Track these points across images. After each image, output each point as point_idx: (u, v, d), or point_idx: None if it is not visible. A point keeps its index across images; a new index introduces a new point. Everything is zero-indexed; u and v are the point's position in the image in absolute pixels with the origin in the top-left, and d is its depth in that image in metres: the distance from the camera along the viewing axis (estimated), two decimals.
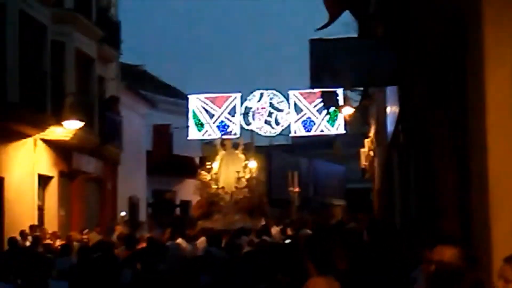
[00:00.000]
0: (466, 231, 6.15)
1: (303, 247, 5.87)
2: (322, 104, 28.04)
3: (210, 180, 28.50)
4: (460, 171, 6.79)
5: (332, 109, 27.65)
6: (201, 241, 18.37)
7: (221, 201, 27.98)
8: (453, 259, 5.50)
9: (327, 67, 11.07)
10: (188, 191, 41.27)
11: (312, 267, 5.48)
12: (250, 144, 31.87)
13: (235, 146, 30.00)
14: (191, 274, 10.64)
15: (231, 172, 28.59)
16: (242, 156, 29.32)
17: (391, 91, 13.97)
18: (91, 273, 10.93)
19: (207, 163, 29.75)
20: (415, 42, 9.38)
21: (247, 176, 28.65)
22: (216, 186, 28.30)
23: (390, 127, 14.69)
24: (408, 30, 10.82)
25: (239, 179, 28.37)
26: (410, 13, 9.97)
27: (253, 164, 29.90)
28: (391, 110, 14.30)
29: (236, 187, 28.24)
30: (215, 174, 28.61)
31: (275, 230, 23.42)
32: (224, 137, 31.52)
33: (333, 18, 12.21)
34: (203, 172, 29.27)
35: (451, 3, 5.68)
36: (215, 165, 28.90)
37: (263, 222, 25.58)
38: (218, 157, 29.17)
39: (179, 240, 17.47)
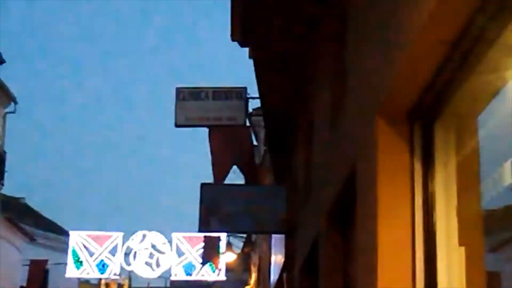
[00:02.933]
0: None
1: None
2: (202, 252, 28.08)
3: None
4: None
5: (209, 264, 27.80)
6: None
7: None
8: None
9: (217, 212, 11.17)
10: None
11: None
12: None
13: (119, 287, 29.77)
14: None
15: None
16: None
17: (276, 239, 14.12)
18: None
19: None
20: (305, 189, 9.60)
21: None
22: None
23: (274, 275, 14.74)
24: (296, 181, 11.09)
25: None
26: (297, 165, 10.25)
27: None
28: (276, 258, 14.39)
29: None
30: None
31: None
32: (104, 277, 31.08)
33: (221, 176, 12.52)
34: None
35: (342, 165, 5.90)
36: None
37: None
38: None
39: None
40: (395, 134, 4.29)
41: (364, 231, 4.85)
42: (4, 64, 29.27)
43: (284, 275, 12.13)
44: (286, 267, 11.95)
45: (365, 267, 4.77)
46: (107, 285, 29.69)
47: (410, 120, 4.26)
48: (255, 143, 18.33)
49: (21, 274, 34.22)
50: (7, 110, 31.71)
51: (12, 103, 31.62)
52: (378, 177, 4.33)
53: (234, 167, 13.37)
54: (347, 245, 7.08)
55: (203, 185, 11.36)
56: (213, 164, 13.09)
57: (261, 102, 11.33)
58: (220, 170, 12.99)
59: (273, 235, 14.65)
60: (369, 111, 4.63)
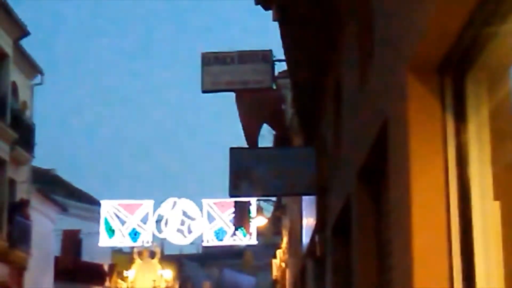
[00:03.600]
0: None
1: None
2: (233, 217, 28.23)
3: None
4: (382, 273, 6.84)
5: (240, 229, 27.93)
6: None
7: None
8: None
9: (247, 176, 11.15)
10: None
11: None
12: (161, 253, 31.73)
13: (152, 255, 30.10)
14: None
15: (147, 280, 28.75)
16: (158, 265, 29.50)
17: (307, 202, 14.08)
18: None
19: (124, 271, 29.85)
20: (335, 148, 9.55)
21: (163, 285, 28.78)
22: None
23: (305, 238, 14.72)
24: (325, 141, 11.03)
25: None
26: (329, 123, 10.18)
27: (168, 273, 30.09)
28: (307, 221, 14.37)
29: None
30: (131, 282, 28.67)
31: None
32: (137, 245, 31.40)
33: (253, 137, 12.48)
34: (119, 280, 29.38)
35: (375, 110, 5.83)
36: (131, 273, 29.00)
37: None
38: (134, 266, 29.27)
39: None
40: (426, 88, 4.22)
41: (396, 189, 4.80)
42: (29, 36, 29.33)
43: (317, 237, 12.10)
44: (318, 229, 11.92)
45: (398, 226, 4.71)
46: (139, 253, 29.94)
47: (441, 74, 4.18)
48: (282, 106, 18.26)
49: (55, 245, 34.60)
50: (34, 82, 31.84)
51: (39, 75, 31.73)
52: (409, 132, 4.27)
53: (264, 131, 13.33)
54: (379, 204, 7.03)
55: (232, 150, 11.34)
56: (244, 129, 13.06)
57: (287, 65, 11.25)
58: (250, 134, 12.97)
59: (304, 198, 14.62)
60: (399, 66, 4.55)
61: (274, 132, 13.45)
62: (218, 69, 12.72)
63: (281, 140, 13.60)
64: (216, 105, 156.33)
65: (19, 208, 28.45)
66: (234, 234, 32.57)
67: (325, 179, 10.97)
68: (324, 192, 11.16)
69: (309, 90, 11.24)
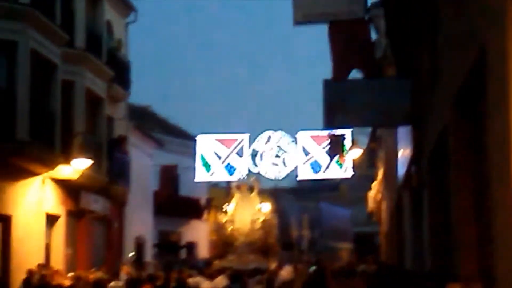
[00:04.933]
0: (486, 269, 6.10)
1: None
2: (328, 148, 28.16)
3: (225, 222, 29.12)
4: (479, 209, 6.75)
5: (336, 157, 27.81)
6: (220, 279, 19.38)
7: (236, 242, 28.54)
8: None
9: (341, 107, 11.08)
10: (193, 232, 41.23)
11: None
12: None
13: (250, 189, 30.50)
14: None
15: (246, 214, 29.24)
16: (257, 199, 29.92)
17: (402, 133, 13.95)
18: None
19: (223, 205, 30.44)
20: (430, 78, 9.38)
21: (261, 218, 29.19)
22: (231, 228, 28.86)
23: (401, 169, 14.63)
24: (423, 67, 10.84)
25: (253, 221, 28.96)
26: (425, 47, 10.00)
27: (266, 207, 30.48)
28: (403, 152, 14.26)
29: (250, 229, 28.81)
30: (231, 216, 29.21)
31: (286, 270, 23.66)
32: (232, 179, 31.88)
33: (342, 74, 12.31)
34: (218, 214, 30.03)
35: (472, 36, 5.67)
36: (230, 208, 29.55)
37: (276, 263, 26.40)
38: (233, 200, 29.80)
39: (198, 278, 18.59)
40: None
41: (495, 119, 4.67)
42: None
43: (413, 168, 12.01)
44: (414, 159, 11.82)
45: (498, 156, 4.61)
46: (238, 187, 30.35)
47: None
48: (375, 37, 18.01)
49: (153, 180, 35.29)
50: (128, 20, 32.15)
51: (133, 13, 32.01)
52: (509, 62, 4.12)
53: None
54: (477, 134, 6.90)
55: (325, 82, 11.26)
56: (334, 62, 12.92)
57: None
58: (340, 69, 12.81)
59: (399, 129, 14.47)
60: None
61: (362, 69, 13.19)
62: (309, 1, 12.58)
63: (373, 74, 13.40)
64: (311, 38, 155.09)
65: (117, 145, 29.02)
66: (328, 165, 32.57)
67: (420, 109, 10.82)
68: (420, 122, 11.03)
69: (404, 18, 11.02)
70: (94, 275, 20.82)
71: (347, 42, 12.76)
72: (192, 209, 40.38)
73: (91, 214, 26.63)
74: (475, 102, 6.38)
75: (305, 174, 33.76)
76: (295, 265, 25.74)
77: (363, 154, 26.71)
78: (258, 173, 33.53)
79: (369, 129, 24.44)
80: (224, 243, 28.56)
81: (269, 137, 33.68)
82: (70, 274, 20.19)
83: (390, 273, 10.02)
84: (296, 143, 33.37)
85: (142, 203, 33.79)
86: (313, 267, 18.27)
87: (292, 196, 54.72)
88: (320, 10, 12.47)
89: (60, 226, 24.34)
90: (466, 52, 5.91)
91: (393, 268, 13.37)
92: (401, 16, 11.03)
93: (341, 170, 33.28)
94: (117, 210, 29.93)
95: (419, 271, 11.02)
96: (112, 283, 19.06)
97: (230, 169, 33.31)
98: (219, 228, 29.36)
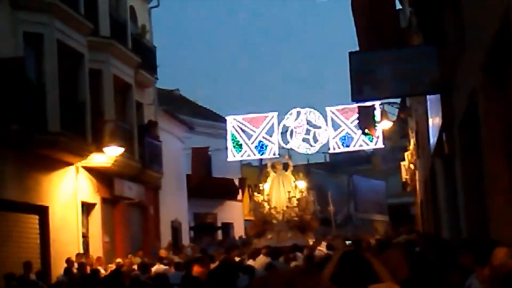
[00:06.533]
0: None
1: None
2: (358, 121, 28.06)
3: (262, 201, 29.32)
4: None
5: (366, 130, 27.73)
6: (260, 257, 19.73)
7: (274, 220, 28.76)
8: (505, 259, 5.48)
9: (368, 79, 11.04)
10: (228, 213, 41.38)
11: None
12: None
13: (285, 167, 30.61)
14: None
15: (282, 192, 29.46)
16: (292, 177, 30.07)
17: (432, 101, 13.88)
18: None
19: (259, 184, 30.65)
20: (457, 44, 9.31)
21: (298, 195, 29.33)
22: (268, 206, 29.08)
23: (432, 137, 14.56)
24: (447, 38, 10.77)
25: (290, 199, 29.15)
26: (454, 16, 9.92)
27: (302, 184, 30.56)
28: (433, 120, 14.19)
29: (287, 207, 29.02)
30: (267, 195, 29.42)
31: (323, 245, 23.78)
32: (264, 157, 32.03)
33: (367, 44, 12.23)
34: (255, 193, 30.22)
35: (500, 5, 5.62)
36: (267, 187, 29.75)
37: (314, 239, 26.54)
38: (269, 179, 29.99)
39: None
40: None
41: None
42: None
43: (444, 135, 11.95)
44: (445, 127, 11.76)
45: None
46: (273, 165, 30.42)
47: None
48: (399, 6, 17.89)
49: (185, 163, 35.39)
50: (151, 5, 32.18)
51: None
52: None
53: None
54: (507, 96, 6.85)
55: (351, 54, 11.22)
56: (358, 34, 12.86)
57: None
58: (366, 40, 12.75)
59: (429, 97, 14.40)
60: None
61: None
62: None
63: (398, 43, 13.31)
64: (336, 12, 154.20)
65: (148, 130, 29.15)
66: (359, 138, 32.51)
67: (449, 76, 10.75)
68: (449, 89, 10.96)
69: None
70: (136, 260, 21.06)
71: (371, 13, 12.68)
72: (225, 190, 40.48)
73: (126, 200, 26.82)
74: (503, 65, 6.34)
75: (337, 148, 33.71)
76: (332, 240, 25.81)
77: (393, 125, 26.64)
78: (290, 149, 33.54)
79: (398, 100, 24.33)
80: (262, 222, 28.76)
81: (298, 113, 33.62)
82: (110, 265, 20.37)
83: (429, 242, 10.01)
84: (325, 118, 33.29)
85: (176, 187, 33.93)
86: (349, 242, 18.42)
87: (325, 171, 54.61)
88: None
89: (96, 214, 24.55)
90: (491, 12, 5.86)
91: (432, 237, 13.36)
92: None
93: (372, 142, 33.18)
94: (151, 195, 30.10)
95: (457, 240, 10.99)
96: (155, 267, 19.25)
97: (261, 148, 33.34)
98: (256, 207, 29.54)
